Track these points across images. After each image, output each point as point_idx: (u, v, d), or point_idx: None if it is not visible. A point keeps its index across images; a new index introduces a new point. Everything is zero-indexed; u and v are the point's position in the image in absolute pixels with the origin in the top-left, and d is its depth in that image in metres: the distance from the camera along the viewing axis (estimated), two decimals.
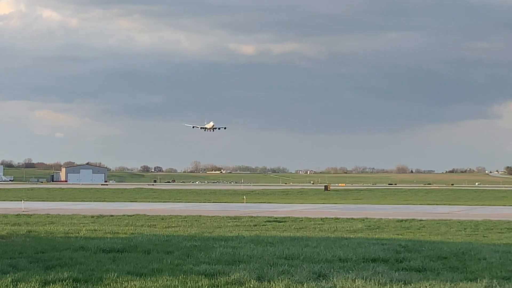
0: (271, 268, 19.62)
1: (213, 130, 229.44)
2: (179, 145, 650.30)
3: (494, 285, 17.49)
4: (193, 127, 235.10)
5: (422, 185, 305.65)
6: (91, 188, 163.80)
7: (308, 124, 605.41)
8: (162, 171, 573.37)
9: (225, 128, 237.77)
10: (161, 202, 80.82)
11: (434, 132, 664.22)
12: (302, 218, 44.96)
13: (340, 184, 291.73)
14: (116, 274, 18.40)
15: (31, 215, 47.49)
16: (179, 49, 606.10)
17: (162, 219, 43.50)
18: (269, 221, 41.76)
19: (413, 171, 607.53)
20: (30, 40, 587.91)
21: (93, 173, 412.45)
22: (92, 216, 45.51)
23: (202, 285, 17.39)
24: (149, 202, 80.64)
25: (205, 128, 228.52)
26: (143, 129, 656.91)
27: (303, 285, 17.32)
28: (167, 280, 17.75)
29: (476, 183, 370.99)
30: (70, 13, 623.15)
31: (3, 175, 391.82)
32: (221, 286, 17.37)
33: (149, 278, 18.04)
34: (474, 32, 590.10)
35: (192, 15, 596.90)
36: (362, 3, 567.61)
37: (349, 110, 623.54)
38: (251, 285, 17.35)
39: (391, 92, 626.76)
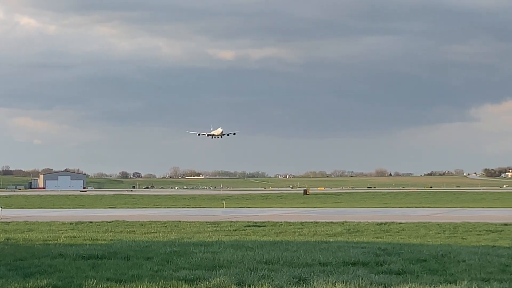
0: (251, 273, 19.58)
1: (222, 137, 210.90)
2: (158, 150, 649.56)
3: (473, 287, 17.55)
4: (198, 134, 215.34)
5: (401, 188, 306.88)
6: (69, 195, 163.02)
7: (287, 129, 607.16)
8: (141, 177, 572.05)
9: (234, 134, 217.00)
10: (140, 208, 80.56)
11: (413, 135, 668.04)
12: (281, 222, 44.95)
13: (319, 188, 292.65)
14: (95, 281, 18.30)
15: (9, 222, 47.17)
16: (159, 55, 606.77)
17: (142, 225, 43.35)
18: (249, 226, 41.72)
19: (392, 174, 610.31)
20: (9, 47, 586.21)
21: (71, 179, 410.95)
22: (71, 223, 45.26)
23: None
24: (128, 208, 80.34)
25: (212, 135, 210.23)
26: (122, 135, 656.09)
27: None
28: (147, 286, 17.67)
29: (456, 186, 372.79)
30: (49, 20, 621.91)
31: None
32: None
33: (129, 285, 17.96)
34: (452, 36, 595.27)
35: (171, 21, 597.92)
36: (342, 8, 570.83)
37: (328, 114, 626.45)
38: None
39: (370, 96, 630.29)
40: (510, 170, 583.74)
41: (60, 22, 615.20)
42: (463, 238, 33.28)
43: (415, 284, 17.76)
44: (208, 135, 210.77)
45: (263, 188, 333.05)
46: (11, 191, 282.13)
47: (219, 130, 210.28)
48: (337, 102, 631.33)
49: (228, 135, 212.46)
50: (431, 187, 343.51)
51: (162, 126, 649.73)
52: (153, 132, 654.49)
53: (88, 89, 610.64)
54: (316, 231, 37.66)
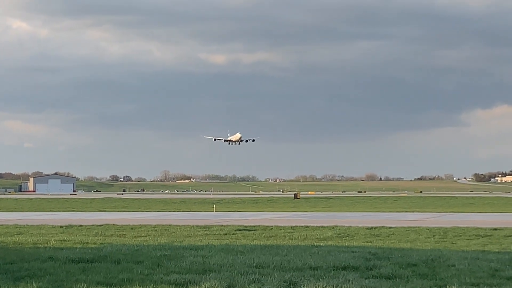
0: (241, 277, 19.60)
1: (240, 143, 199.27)
2: (149, 154, 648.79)
3: None
4: (214, 139, 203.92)
5: (391, 192, 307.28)
6: (59, 198, 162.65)
7: (277, 133, 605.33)
8: (131, 181, 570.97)
9: (253, 140, 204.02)
10: (130, 211, 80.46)
11: (403, 140, 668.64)
12: (272, 226, 44.96)
13: (309, 192, 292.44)
14: (85, 285, 18.28)
15: None
16: (151, 59, 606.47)
17: (132, 228, 43.28)
18: (239, 230, 41.71)
19: (382, 178, 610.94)
20: (0, 51, 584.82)
21: (61, 183, 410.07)
22: (61, 226, 45.15)
23: None
24: (119, 211, 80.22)
25: (230, 140, 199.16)
26: (112, 139, 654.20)
27: None
28: None
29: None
30: (41, 23, 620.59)
31: None
32: None
33: None
34: (443, 41, 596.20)
35: (163, 25, 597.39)
36: (333, 12, 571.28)
37: (319, 118, 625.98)
38: None
39: (361, 101, 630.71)
40: (500, 175, 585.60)
41: (52, 25, 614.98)
42: (453, 243, 33.36)
43: None
44: (225, 140, 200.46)
45: (253, 192, 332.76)
46: (1, 194, 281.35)
47: (238, 136, 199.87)
48: (328, 106, 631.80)
49: (247, 141, 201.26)
50: (421, 192, 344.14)
51: (153, 130, 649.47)
52: (144, 135, 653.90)
53: (80, 92, 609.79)
54: (306, 235, 37.68)
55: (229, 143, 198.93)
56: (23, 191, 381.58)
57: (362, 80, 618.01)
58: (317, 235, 37.83)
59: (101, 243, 31.53)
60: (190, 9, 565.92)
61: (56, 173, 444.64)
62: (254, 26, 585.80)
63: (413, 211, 78.23)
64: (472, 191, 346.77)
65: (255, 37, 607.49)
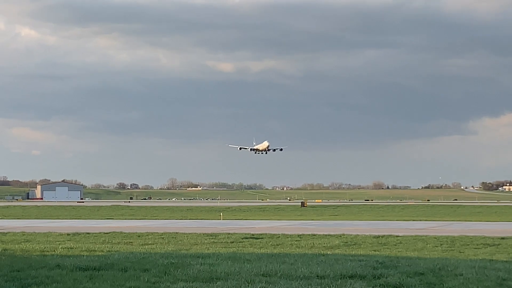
0: (248, 286, 19.58)
1: (267, 152, 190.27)
2: (156, 162, 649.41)
3: None
4: (240, 148, 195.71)
5: (398, 201, 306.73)
6: (66, 206, 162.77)
7: (284, 141, 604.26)
8: (139, 188, 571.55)
9: (281, 149, 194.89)
10: (137, 219, 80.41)
11: (410, 148, 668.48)
12: (279, 234, 44.88)
13: (316, 200, 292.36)
14: None
15: (6, 233, 47.06)
16: (158, 67, 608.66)
17: (139, 236, 43.26)
18: (246, 238, 41.64)
19: (389, 187, 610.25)
20: (9, 58, 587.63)
21: (68, 190, 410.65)
22: (68, 234, 45.16)
23: None
24: (126, 219, 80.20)
25: (256, 149, 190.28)
26: (120, 146, 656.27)
27: None
28: None
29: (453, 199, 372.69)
30: (49, 31, 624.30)
31: None
32: None
33: None
34: (450, 49, 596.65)
35: (171, 33, 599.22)
36: (340, 20, 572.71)
37: (326, 126, 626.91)
38: None
39: (368, 109, 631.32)
40: (508, 184, 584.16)
41: (60, 33, 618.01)
42: (460, 252, 33.26)
43: None
44: (251, 149, 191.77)
45: (260, 200, 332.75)
46: (9, 201, 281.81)
47: (265, 144, 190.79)
48: (335, 114, 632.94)
49: (274, 150, 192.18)
50: (429, 200, 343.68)
51: (160, 137, 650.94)
52: (151, 143, 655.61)
53: (87, 100, 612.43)
54: (313, 243, 37.61)
55: (255, 152, 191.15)
56: (31, 199, 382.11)
57: (369, 88, 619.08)
58: (324, 243, 37.77)
59: (108, 251, 31.53)
60: (197, 17, 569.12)
61: (63, 181, 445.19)
62: (261, 34, 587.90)
63: (421, 220, 78.02)
64: (476, 199, 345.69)
65: (262, 45, 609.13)
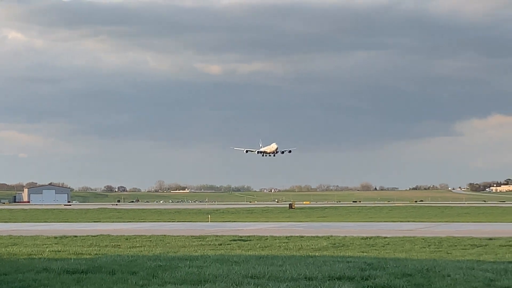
0: None
1: (275, 155, 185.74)
2: (143, 164, 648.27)
3: None
4: (246, 151, 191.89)
5: (386, 202, 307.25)
6: (54, 209, 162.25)
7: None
8: (126, 191, 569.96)
9: (290, 151, 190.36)
10: (125, 222, 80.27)
11: (398, 150, 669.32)
12: (267, 236, 44.91)
13: (304, 202, 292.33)
14: None
15: None
16: (147, 69, 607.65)
17: (127, 239, 43.19)
18: (234, 240, 41.65)
19: (377, 188, 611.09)
20: None
21: (56, 193, 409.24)
22: (56, 237, 45.04)
23: None
24: (113, 222, 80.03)
25: (263, 152, 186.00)
26: (107, 149, 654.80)
27: None
28: None
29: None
30: (36, 34, 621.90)
31: None
32: None
33: None
34: (440, 51, 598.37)
35: (159, 35, 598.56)
36: (330, 22, 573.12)
37: (315, 128, 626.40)
38: None
39: (357, 110, 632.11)
40: (495, 185, 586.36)
41: (48, 36, 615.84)
42: (448, 253, 33.35)
43: None
44: (258, 152, 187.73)
45: (248, 202, 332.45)
46: None
47: (273, 147, 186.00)
48: (324, 116, 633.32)
49: (283, 152, 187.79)
50: (421, 201, 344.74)
51: (148, 140, 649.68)
52: (139, 145, 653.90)
53: (76, 103, 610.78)
54: (301, 245, 37.63)
55: (262, 155, 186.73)
56: (17, 202, 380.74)
57: (358, 90, 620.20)
58: (312, 245, 37.79)
59: (96, 254, 31.45)
60: (186, 19, 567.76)
61: (50, 184, 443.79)
62: (251, 36, 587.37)
63: (408, 221, 78.18)
64: (464, 200, 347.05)
65: (252, 47, 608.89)
